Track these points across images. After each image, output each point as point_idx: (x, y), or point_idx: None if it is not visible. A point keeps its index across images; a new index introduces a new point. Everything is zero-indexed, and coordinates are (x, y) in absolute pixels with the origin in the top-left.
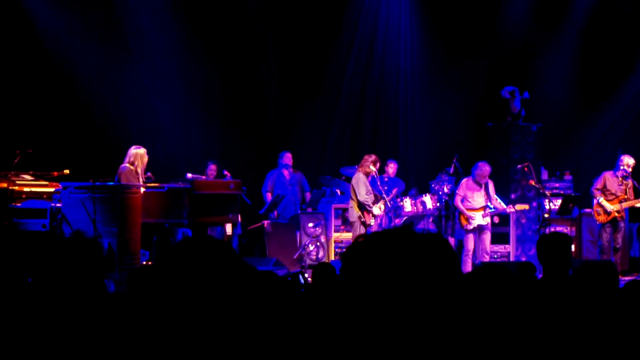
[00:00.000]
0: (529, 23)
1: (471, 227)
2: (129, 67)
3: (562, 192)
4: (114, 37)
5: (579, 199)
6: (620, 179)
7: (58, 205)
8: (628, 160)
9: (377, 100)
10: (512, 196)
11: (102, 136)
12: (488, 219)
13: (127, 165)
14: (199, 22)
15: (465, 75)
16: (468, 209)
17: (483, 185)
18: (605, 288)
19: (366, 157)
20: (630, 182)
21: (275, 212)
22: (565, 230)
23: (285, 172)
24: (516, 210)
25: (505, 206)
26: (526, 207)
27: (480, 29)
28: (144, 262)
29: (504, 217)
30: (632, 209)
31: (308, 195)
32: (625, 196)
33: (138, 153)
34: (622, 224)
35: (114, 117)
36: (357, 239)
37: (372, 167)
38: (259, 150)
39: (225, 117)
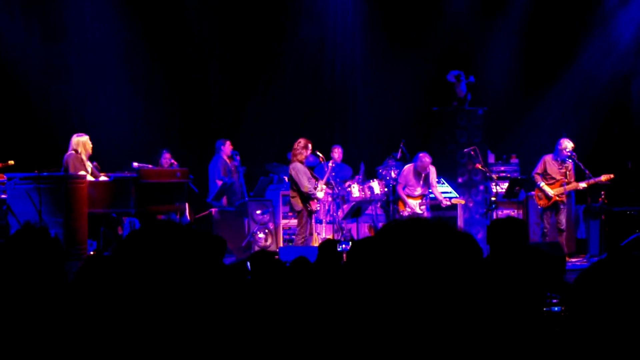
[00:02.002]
0: (474, 7)
1: (407, 214)
2: (72, 57)
3: (508, 175)
4: (56, 27)
5: (526, 182)
6: (559, 162)
7: (3, 196)
8: (567, 144)
9: (324, 85)
10: (460, 180)
11: (47, 127)
12: (424, 207)
13: (73, 153)
14: (141, 11)
15: (411, 59)
16: (407, 196)
17: (423, 175)
18: (552, 268)
19: (295, 145)
20: (570, 164)
21: (225, 200)
22: (512, 214)
23: (228, 160)
24: (451, 204)
25: (442, 198)
26: (462, 201)
27: (426, 13)
28: (91, 252)
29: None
30: (578, 191)
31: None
32: (566, 179)
33: (80, 140)
34: (562, 206)
35: (58, 108)
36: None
37: (305, 152)
38: (204, 138)
39: (170, 105)
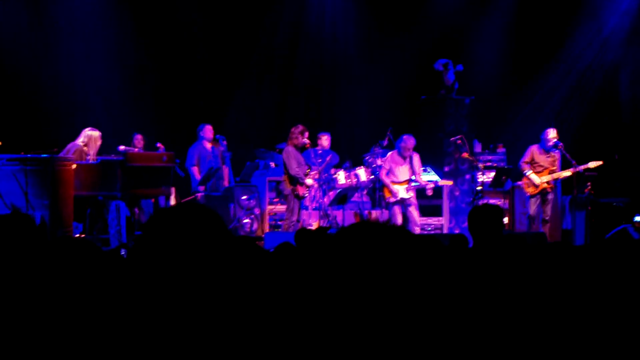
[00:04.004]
0: None
1: (394, 200)
2: (60, 40)
3: (495, 164)
4: (44, 10)
5: (512, 172)
6: (546, 151)
7: None
8: (553, 134)
9: (311, 72)
10: (446, 169)
11: (35, 108)
12: (412, 193)
13: (80, 144)
14: None
15: (399, 47)
16: (392, 182)
17: (408, 159)
18: (536, 258)
19: (292, 129)
20: (557, 154)
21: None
22: (498, 203)
23: (208, 145)
24: (435, 186)
25: (425, 182)
26: (450, 182)
27: (415, 1)
28: (77, 235)
29: (437, 189)
30: (564, 181)
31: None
32: (553, 168)
33: (92, 135)
34: (550, 196)
35: (45, 90)
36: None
37: (301, 138)
38: (191, 122)
39: (157, 90)
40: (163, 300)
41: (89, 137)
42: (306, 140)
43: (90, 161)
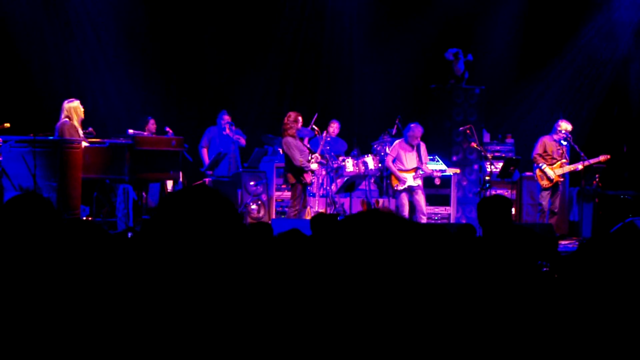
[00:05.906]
0: None
1: (401, 187)
2: (70, 22)
3: (503, 155)
4: None
5: (520, 162)
6: (557, 142)
7: None
8: (566, 126)
9: (321, 60)
10: (454, 158)
11: (44, 92)
12: (419, 181)
13: (66, 120)
14: None
15: (409, 36)
16: (399, 170)
17: (415, 147)
18: (545, 249)
19: (285, 120)
20: (564, 146)
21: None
22: (506, 194)
23: (227, 130)
24: (442, 175)
25: (432, 171)
26: (457, 170)
27: None
28: (84, 218)
29: (445, 179)
30: (572, 173)
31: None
32: (563, 160)
33: (72, 106)
34: (560, 188)
35: (55, 73)
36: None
37: (296, 126)
38: (200, 107)
39: (167, 73)
40: (169, 285)
41: (69, 109)
42: (301, 126)
43: (80, 130)
